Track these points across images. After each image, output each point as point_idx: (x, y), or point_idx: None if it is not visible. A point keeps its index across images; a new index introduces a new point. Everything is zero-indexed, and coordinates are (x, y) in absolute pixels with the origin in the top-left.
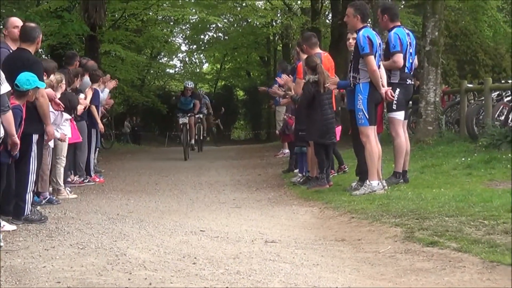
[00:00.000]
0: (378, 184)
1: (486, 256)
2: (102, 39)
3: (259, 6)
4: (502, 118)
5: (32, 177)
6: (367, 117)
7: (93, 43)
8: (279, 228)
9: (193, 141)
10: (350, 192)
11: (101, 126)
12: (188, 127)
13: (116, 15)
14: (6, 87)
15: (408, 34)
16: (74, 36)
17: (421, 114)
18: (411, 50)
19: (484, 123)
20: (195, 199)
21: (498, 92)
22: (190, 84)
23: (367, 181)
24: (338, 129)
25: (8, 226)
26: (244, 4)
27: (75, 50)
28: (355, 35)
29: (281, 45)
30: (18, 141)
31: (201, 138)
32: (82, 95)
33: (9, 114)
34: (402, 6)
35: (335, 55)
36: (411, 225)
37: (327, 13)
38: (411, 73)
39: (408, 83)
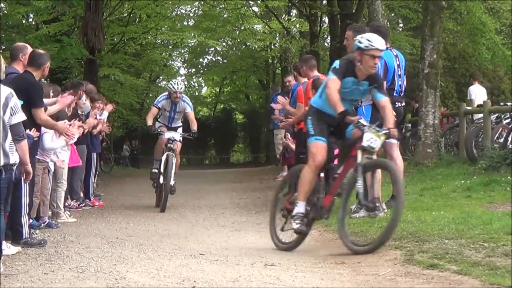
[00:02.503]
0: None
1: (486, 279)
2: (101, 63)
3: (258, 29)
4: (501, 140)
5: (25, 200)
6: None
7: (92, 67)
8: (278, 251)
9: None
10: (349, 215)
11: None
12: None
13: (115, 39)
14: (21, 116)
15: (396, 56)
16: (73, 60)
17: (420, 137)
18: (399, 72)
19: (483, 146)
20: (194, 223)
21: (497, 115)
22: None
23: None
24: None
25: (11, 249)
26: (242, 28)
27: (74, 74)
28: None
29: (280, 68)
30: (31, 170)
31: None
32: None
33: (24, 143)
34: (400, 29)
35: None
36: (411, 248)
37: (325, 36)
38: (401, 95)
39: (397, 106)
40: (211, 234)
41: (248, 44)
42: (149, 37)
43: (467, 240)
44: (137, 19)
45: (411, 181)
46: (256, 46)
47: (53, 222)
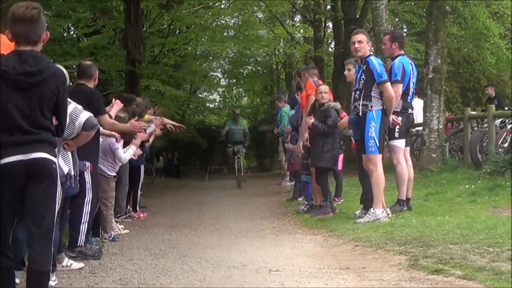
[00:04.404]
0: (383, 212)
1: (491, 284)
2: (141, 74)
3: (262, 35)
4: (506, 145)
5: (87, 208)
6: (378, 145)
7: (133, 79)
8: (283, 256)
9: None
10: (354, 220)
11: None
12: None
13: (155, 51)
14: (86, 114)
15: (411, 64)
16: (114, 72)
17: (424, 142)
18: (413, 80)
19: (487, 150)
20: (237, 234)
21: (501, 119)
22: None
23: (372, 209)
24: (341, 157)
25: (74, 265)
26: (246, 34)
27: (115, 86)
28: (350, 66)
29: (284, 74)
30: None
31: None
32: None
33: (92, 133)
34: (404, 34)
35: (338, 84)
36: (415, 253)
37: (329, 41)
38: (411, 103)
39: (409, 112)
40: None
41: (252, 49)
42: (189, 48)
43: (471, 245)
44: (177, 31)
45: (416, 186)
46: (262, 51)
47: (116, 236)
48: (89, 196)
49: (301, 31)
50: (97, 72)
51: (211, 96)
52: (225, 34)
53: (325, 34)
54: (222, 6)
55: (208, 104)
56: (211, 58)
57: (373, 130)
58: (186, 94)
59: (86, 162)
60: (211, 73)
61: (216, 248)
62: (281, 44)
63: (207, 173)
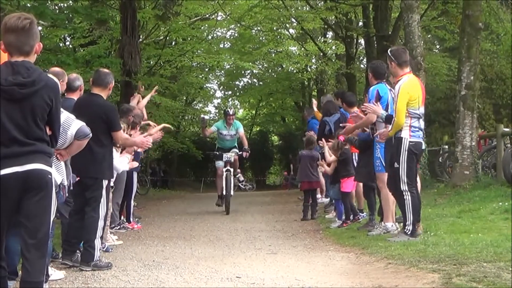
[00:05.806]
0: (392, 225)
1: None
2: (137, 85)
3: (294, 52)
4: None
5: (100, 223)
6: (384, 164)
7: (128, 90)
8: (315, 274)
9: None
10: (366, 233)
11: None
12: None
13: (151, 62)
14: (78, 123)
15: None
16: None
17: (457, 159)
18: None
19: None
20: (230, 245)
21: None
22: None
23: (382, 222)
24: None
25: (56, 275)
26: (278, 50)
27: (110, 96)
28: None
29: (316, 90)
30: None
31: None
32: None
33: (85, 141)
34: (437, 51)
35: None
36: (448, 271)
37: (361, 58)
38: None
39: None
40: (248, 257)
41: (284, 66)
42: (185, 60)
43: (505, 263)
44: (173, 42)
45: (449, 203)
46: (292, 69)
47: (110, 246)
48: (103, 211)
49: (333, 47)
50: (113, 82)
51: (206, 108)
52: (221, 46)
53: (357, 50)
54: (219, 18)
55: (203, 116)
56: (207, 70)
57: (378, 151)
58: (181, 106)
59: (104, 180)
60: (206, 85)
61: (209, 259)
62: (313, 60)
63: (201, 185)
